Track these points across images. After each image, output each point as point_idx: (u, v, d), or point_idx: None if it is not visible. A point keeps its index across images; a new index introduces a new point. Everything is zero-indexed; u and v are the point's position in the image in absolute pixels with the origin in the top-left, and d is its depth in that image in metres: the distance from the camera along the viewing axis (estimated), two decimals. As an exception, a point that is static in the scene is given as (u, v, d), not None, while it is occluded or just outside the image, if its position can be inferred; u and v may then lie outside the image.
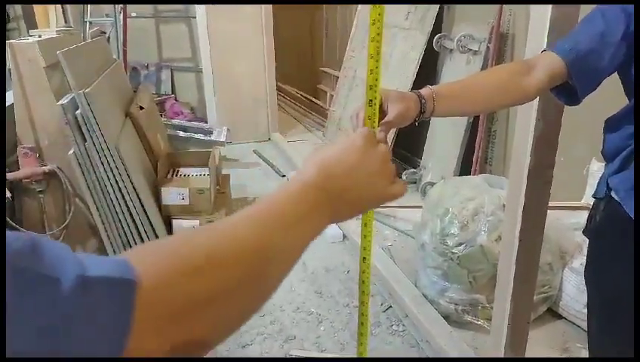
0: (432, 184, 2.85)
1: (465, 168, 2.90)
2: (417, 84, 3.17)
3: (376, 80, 0.77)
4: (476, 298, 1.90)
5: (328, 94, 5.40)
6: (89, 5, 4.49)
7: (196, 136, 3.92)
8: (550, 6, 1.08)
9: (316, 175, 0.50)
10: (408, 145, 3.66)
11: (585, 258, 1.94)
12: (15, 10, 5.43)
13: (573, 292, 1.91)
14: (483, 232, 1.83)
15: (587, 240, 1.12)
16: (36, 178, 2.18)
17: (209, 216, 2.59)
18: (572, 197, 2.13)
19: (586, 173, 2.05)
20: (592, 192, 1.05)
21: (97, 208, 2.22)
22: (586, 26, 0.91)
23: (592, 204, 1.10)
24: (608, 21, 0.88)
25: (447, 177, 2.84)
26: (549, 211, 1.32)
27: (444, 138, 3.04)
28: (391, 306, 2.13)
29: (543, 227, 1.30)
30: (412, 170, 3.34)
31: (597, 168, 1.96)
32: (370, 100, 0.79)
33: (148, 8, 5.12)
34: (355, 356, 0.94)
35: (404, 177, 3.33)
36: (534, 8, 1.14)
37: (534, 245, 1.32)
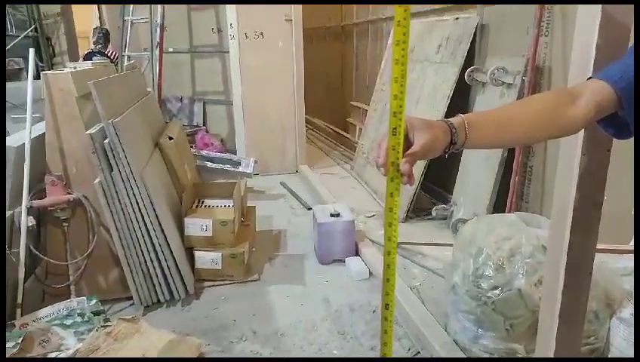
0: (463, 221, 2.71)
1: (499, 205, 2.75)
2: (449, 117, 3.08)
3: (401, 106, 0.71)
4: (513, 347, 1.74)
5: (357, 127, 5.37)
6: (127, 39, 4.68)
7: (224, 167, 3.93)
8: (596, 34, 0.99)
9: None
10: (439, 179, 3.54)
11: (634, 307, 1.76)
12: (60, 45, 5.74)
13: (623, 345, 1.72)
14: (521, 275, 1.69)
15: None
16: (61, 206, 2.18)
17: (231, 249, 2.54)
18: (618, 239, 1.96)
19: (633, 213, 1.89)
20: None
21: (120, 238, 2.20)
22: (636, 50, 0.82)
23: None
24: (664, 44, 0.79)
25: (480, 214, 2.70)
26: (600, 255, 1.19)
27: (477, 172, 2.92)
28: (419, 352, 1.98)
29: (590, 273, 1.17)
30: (442, 205, 3.22)
31: (647, 208, 1.80)
32: (394, 128, 0.72)
33: (184, 44, 5.30)
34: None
35: (434, 213, 3.20)
36: (577, 36, 1.05)
37: (581, 292, 1.18)
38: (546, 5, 2.46)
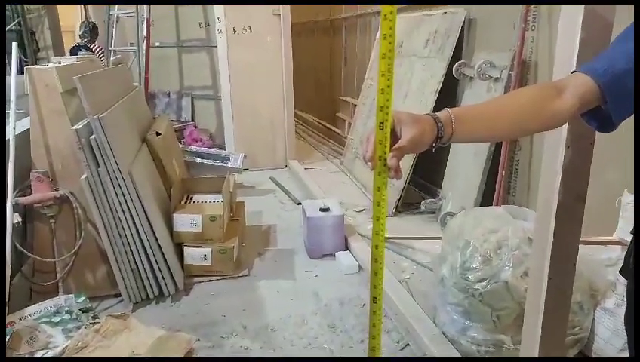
0: (451, 214, 2.74)
1: (486, 198, 2.78)
2: (437, 111, 3.10)
3: (388, 100, 0.71)
4: (500, 338, 1.76)
5: (346, 122, 5.38)
6: (113, 34, 4.62)
7: (213, 162, 3.91)
8: (579, 27, 1.00)
9: None
10: (427, 173, 3.56)
11: (618, 297, 1.80)
12: (45, 39, 5.64)
13: (607, 334, 1.75)
14: (507, 267, 1.71)
15: (622, 279, 1.01)
16: (47, 203, 2.16)
17: (221, 245, 2.53)
18: (602, 230, 2.00)
19: (617, 205, 1.92)
20: (625, 226, 0.95)
21: (108, 234, 2.19)
22: (622, 44, 0.83)
23: (629, 240, 0.99)
24: (645, 39, 0.80)
25: (468, 207, 2.72)
26: (585, 247, 1.21)
27: (465, 167, 2.94)
28: (408, 344, 2.00)
29: (574, 264, 1.19)
30: (431, 199, 3.24)
31: (629, 200, 1.83)
32: (381, 123, 0.72)
33: (171, 38, 5.25)
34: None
35: (422, 207, 3.22)
36: (561, 30, 1.07)
37: (565, 284, 1.21)
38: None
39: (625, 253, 1.00)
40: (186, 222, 2.52)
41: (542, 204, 1.15)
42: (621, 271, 1.01)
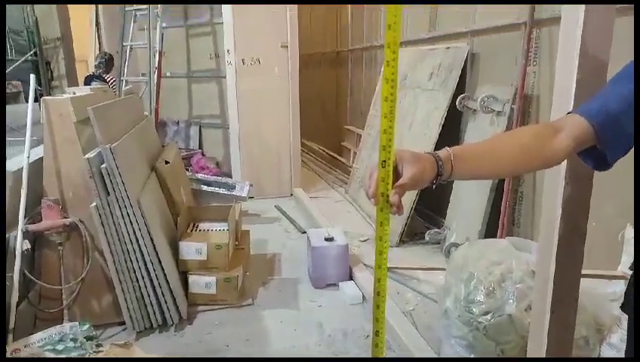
0: (456, 245, 2.74)
1: (491, 230, 2.79)
2: (441, 143, 3.14)
3: (390, 140, 0.75)
4: (505, 373, 1.75)
5: (352, 151, 5.44)
6: (126, 64, 4.76)
7: (219, 190, 3.95)
8: (576, 66, 1.05)
9: None
10: (432, 203, 3.58)
11: (624, 332, 1.78)
12: (59, 69, 5.82)
13: (615, 370, 1.73)
14: (511, 301, 1.71)
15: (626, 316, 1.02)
16: (57, 230, 2.19)
17: (226, 273, 2.54)
18: (607, 264, 2.00)
19: (620, 239, 1.93)
20: (628, 260, 0.97)
21: (114, 262, 2.21)
22: (615, 86, 0.87)
23: (629, 275, 1.00)
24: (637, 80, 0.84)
25: (472, 239, 2.73)
26: (582, 280, 1.22)
27: (469, 198, 2.96)
28: (412, 378, 1.98)
29: (576, 298, 1.20)
30: (435, 229, 3.25)
31: (632, 235, 1.84)
32: (384, 161, 0.76)
33: (182, 68, 5.39)
34: None
35: (427, 237, 3.23)
36: (559, 69, 1.11)
37: (568, 317, 1.21)
38: (534, 36, 2.55)
39: (625, 288, 1.01)
40: (191, 249, 2.54)
41: (543, 239, 1.17)
42: (622, 308, 1.01)
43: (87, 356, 1.89)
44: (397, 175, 0.79)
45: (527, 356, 1.32)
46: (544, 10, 2.48)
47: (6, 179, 2.07)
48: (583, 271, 1.22)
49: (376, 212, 0.79)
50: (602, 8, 1.08)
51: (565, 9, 1.11)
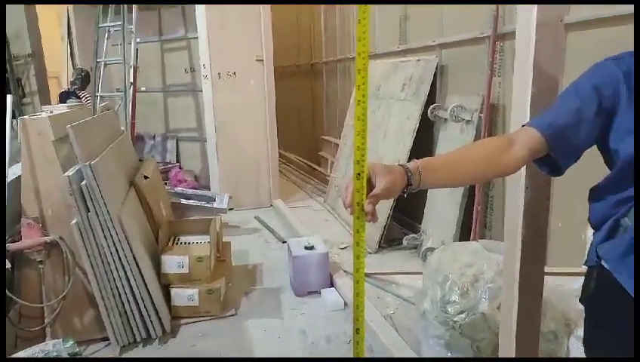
0: (432, 249, 2.84)
1: (464, 233, 2.90)
2: (415, 151, 3.26)
3: (363, 155, 0.82)
4: (481, 369, 1.84)
5: (329, 161, 5.53)
6: (100, 80, 4.74)
7: (199, 203, 3.97)
8: (530, 80, 1.15)
9: None
10: (408, 210, 3.69)
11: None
12: (30, 85, 5.73)
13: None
14: (484, 299, 1.81)
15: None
16: (37, 248, 2.19)
17: (208, 285, 2.57)
18: (573, 262, 2.12)
19: (584, 238, 2.06)
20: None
21: (96, 278, 2.22)
22: (563, 102, 0.97)
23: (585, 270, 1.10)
24: (583, 98, 0.94)
25: (447, 242, 2.83)
26: (550, 277, 1.32)
27: (443, 203, 3.08)
28: (394, 379, 2.05)
29: (541, 294, 1.29)
30: (412, 235, 3.35)
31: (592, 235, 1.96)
32: (358, 174, 0.83)
33: (157, 83, 5.40)
34: None
35: (404, 243, 3.32)
36: (516, 83, 1.21)
37: (534, 312, 1.30)
38: (498, 48, 2.69)
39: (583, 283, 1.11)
40: (173, 263, 2.56)
41: (508, 241, 1.26)
42: (580, 300, 1.11)
43: (71, 373, 1.89)
44: (370, 186, 0.86)
45: (499, 350, 1.40)
46: (506, 25, 2.63)
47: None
48: (550, 269, 1.32)
49: (353, 220, 0.86)
50: (553, 24, 1.18)
51: (519, 25, 1.22)
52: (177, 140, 5.50)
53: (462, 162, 0.94)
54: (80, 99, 4.41)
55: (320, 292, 2.81)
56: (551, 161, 0.98)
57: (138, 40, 4.57)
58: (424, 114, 3.26)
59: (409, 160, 3.27)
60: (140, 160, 3.61)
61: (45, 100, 5.21)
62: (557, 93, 1.17)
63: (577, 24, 2.12)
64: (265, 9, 4.50)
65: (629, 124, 0.90)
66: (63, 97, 4.35)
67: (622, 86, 0.91)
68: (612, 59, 0.95)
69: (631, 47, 0.98)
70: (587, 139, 0.94)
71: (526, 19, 1.18)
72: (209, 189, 4.73)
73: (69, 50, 5.48)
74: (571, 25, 2.17)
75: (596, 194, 0.99)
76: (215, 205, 4.00)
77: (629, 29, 1.94)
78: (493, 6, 2.66)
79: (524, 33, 1.21)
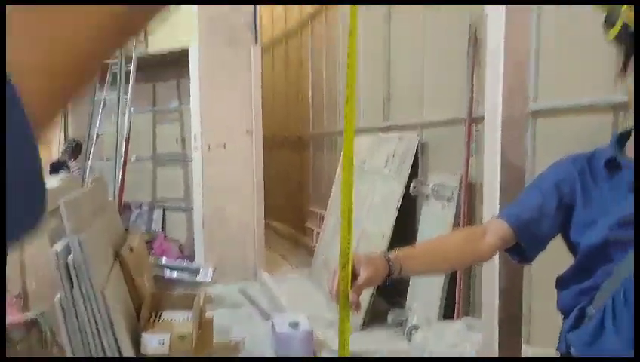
0: (416, 327, 2.83)
1: (449, 309, 2.91)
2: (398, 225, 3.34)
3: (348, 246, 0.89)
4: None
5: (315, 231, 5.56)
6: (92, 149, 4.84)
7: (183, 275, 3.93)
8: (498, 176, 1.26)
9: None
10: (394, 285, 3.69)
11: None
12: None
13: None
14: (469, 381, 1.81)
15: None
16: (17, 327, 2.14)
17: (189, 364, 2.50)
18: (554, 343, 2.15)
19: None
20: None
21: (74, 356, 2.15)
22: (527, 197, 1.07)
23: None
24: (544, 194, 1.04)
25: (432, 318, 2.83)
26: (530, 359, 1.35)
27: (427, 280, 3.11)
28: None
29: (521, 378, 1.32)
30: (398, 310, 3.34)
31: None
32: (343, 265, 0.89)
33: (147, 152, 5.51)
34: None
35: (389, 319, 3.30)
36: (486, 175, 1.32)
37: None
38: (473, 130, 2.87)
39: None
40: (154, 341, 2.49)
41: (485, 323, 1.31)
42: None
43: None
44: (354, 275, 0.92)
45: None
46: (480, 108, 2.83)
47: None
48: (531, 349, 1.35)
49: (339, 309, 0.91)
50: (517, 118, 1.32)
51: (487, 119, 1.35)
52: (164, 209, 5.52)
53: (439, 251, 1.02)
54: (69, 169, 4.47)
55: (304, 371, 2.74)
56: (520, 249, 1.06)
57: (132, 110, 4.74)
58: (407, 189, 3.38)
59: (393, 233, 3.32)
60: (126, 229, 3.62)
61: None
62: (523, 185, 1.28)
63: (545, 111, 2.31)
64: (256, 82, 4.75)
65: (585, 219, 0.99)
66: (54, 168, 4.41)
67: (577, 185, 1.02)
68: (568, 159, 1.07)
69: (593, 136, 1.10)
70: (550, 232, 1.03)
71: (492, 112, 1.31)
72: (193, 259, 4.69)
73: (63, 121, 5.62)
74: (539, 112, 2.36)
75: (562, 283, 1.06)
76: (199, 278, 3.96)
77: (593, 118, 2.13)
78: (469, 91, 2.88)
79: (491, 125, 1.33)
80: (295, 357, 2.76)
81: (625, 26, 0.72)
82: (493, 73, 1.21)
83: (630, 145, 0.99)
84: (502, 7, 1.24)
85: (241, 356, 3.03)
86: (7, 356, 2.17)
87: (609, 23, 0.75)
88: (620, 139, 1.01)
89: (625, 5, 0.73)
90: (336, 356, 2.87)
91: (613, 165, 0.98)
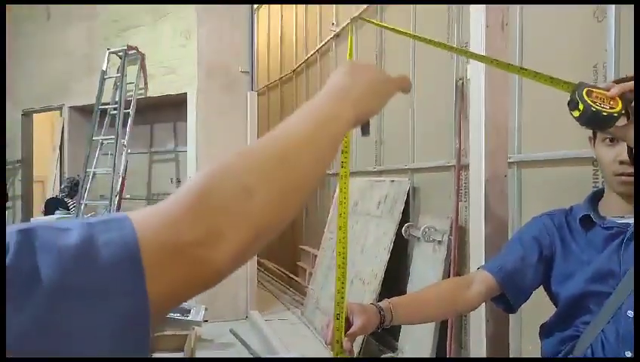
0: (409, 370, 2.83)
1: (441, 352, 2.92)
2: (391, 266, 3.39)
3: (342, 298, 0.95)
4: None
5: (307, 271, 5.56)
6: (87, 187, 4.88)
7: (173, 315, 3.90)
8: (483, 223, 1.34)
9: (324, 93, 0.55)
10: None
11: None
12: (14, 190, 5.82)
13: None
14: None
15: None
16: None
17: (180, 408, 2.48)
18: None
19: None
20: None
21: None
22: (509, 250, 1.15)
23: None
24: (525, 247, 1.12)
25: (424, 362, 2.84)
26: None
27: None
28: None
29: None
30: (390, 354, 3.33)
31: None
32: (338, 314, 0.95)
33: (142, 191, 5.57)
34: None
35: (382, 361, 3.29)
36: (472, 226, 1.40)
37: None
38: (462, 176, 2.98)
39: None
40: (145, 383, 2.48)
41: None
42: None
43: None
44: (348, 324, 0.98)
45: None
46: (468, 157, 2.95)
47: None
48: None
49: (333, 356, 0.96)
50: (499, 175, 1.41)
51: (471, 179, 1.44)
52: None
53: (429, 300, 1.08)
54: (67, 208, 4.50)
55: (295, 416, 2.71)
56: (505, 299, 1.13)
57: (129, 151, 4.83)
58: (399, 231, 3.45)
59: (385, 274, 3.36)
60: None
61: (28, 206, 5.28)
62: (506, 237, 1.36)
63: (530, 162, 2.43)
64: (252, 126, 4.88)
65: (565, 271, 1.07)
66: (51, 204, 4.44)
67: (556, 237, 1.10)
68: (547, 214, 1.16)
69: (572, 185, 1.19)
70: (533, 283, 1.10)
71: (477, 171, 1.41)
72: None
73: (59, 159, 5.69)
74: (525, 163, 2.48)
75: (545, 331, 1.12)
76: (190, 317, 3.94)
77: (575, 169, 2.25)
78: (457, 139, 3.00)
79: (475, 181, 1.43)
80: None
81: (586, 108, 0.81)
82: (475, 134, 1.32)
83: (602, 203, 1.08)
84: (482, 71, 1.35)
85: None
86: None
87: (572, 105, 0.85)
88: (594, 198, 1.11)
89: (585, 89, 0.83)
90: (329, 401, 2.84)
91: (587, 222, 1.07)
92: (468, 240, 2.96)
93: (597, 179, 2.13)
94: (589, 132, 2.12)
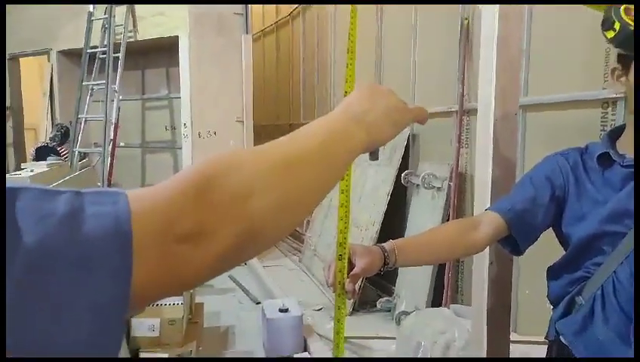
0: (405, 313, 2.88)
1: (437, 296, 2.97)
2: (389, 214, 3.37)
3: (345, 238, 0.91)
4: None
5: (305, 220, 5.59)
6: (79, 135, 4.77)
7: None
8: (490, 169, 1.28)
9: (339, 111, 0.55)
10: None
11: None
12: (6, 138, 5.70)
13: None
14: (456, 367, 1.85)
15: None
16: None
17: (179, 349, 2.52)
18: (541, 329, 2.21)
19: (549, 307, 2.15)
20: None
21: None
22: (520, 190, 1.10)
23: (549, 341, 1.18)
24: (537, 187, 1.06)
25: (420, 306, 2.89)
26: (518, 346, 1.39)
27: (416, 269, 3.16)
28: None
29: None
30: (387, 298, 3.39)
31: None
32: (340, 255, 0.91)
33: (136, 139, 5.46)
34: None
35: (378, 305, 3.35)
36: (477, 170, 1.34)
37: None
38: (464, 122, 2.90)
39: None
40: (144, 326, 2.51)
41: (475, 311, 1.34)
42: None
43: None
44: (351, 266, 0.94)
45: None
46: (471, 102, 2.86)
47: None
48: (520, 338, 1.39)
49: (335, 297, 0.93)
50: (511, 111, 1.33)
51: (479, 118, 1.37)
52: (153, 196, 5.48)
53: (434, 243, 1.04)
54: (59, 155, 4.41)
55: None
56: (512, 241, 1.09)
57: (120, 97, 4.68)
58: (398, 179, 3.41)
59: (383, 221, 3.34)
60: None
61: (20, 153, 5.19)
62: (514, 179, 1.30)
63: (535, 106, 2.34)
64: (247, 71, 4.72)
65: (577, 212, 1.02)
66: (41, 153, 4.35)
67: (570, 177, 1.04)
68: (560, 153, 1.09)
69: (578, 129, 1.13)
70: (543, 223, 1.06)
71: (486, 109, 1.33)
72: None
73: (49, 105, 5.53)
74: (529, 106, 2.39)
75: (553, 273, 1.09)
76: (189, 264, 3.96)
77: (581, 112, 2.16)
78: (459, 84, 2.90)
79: (484, 121, 1.35)
80: (286, 342, 2.79)
81: (623, 27, 0.73)
82: (486, 70, 1.23)
83: (622, 141, 1.01)
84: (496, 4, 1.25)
85: (230, 341, 3.05)
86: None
87: (607, 24, 0.76)
88: (612, 135, 1.04)
89: (623, 6, 0.74)
90: (325, 341, 2.91)
91: (605, 160, 1.01)
92: (467, 187, 2.94)
93: (605, 122, 2.06)
94: (600, 72, 2.01)
